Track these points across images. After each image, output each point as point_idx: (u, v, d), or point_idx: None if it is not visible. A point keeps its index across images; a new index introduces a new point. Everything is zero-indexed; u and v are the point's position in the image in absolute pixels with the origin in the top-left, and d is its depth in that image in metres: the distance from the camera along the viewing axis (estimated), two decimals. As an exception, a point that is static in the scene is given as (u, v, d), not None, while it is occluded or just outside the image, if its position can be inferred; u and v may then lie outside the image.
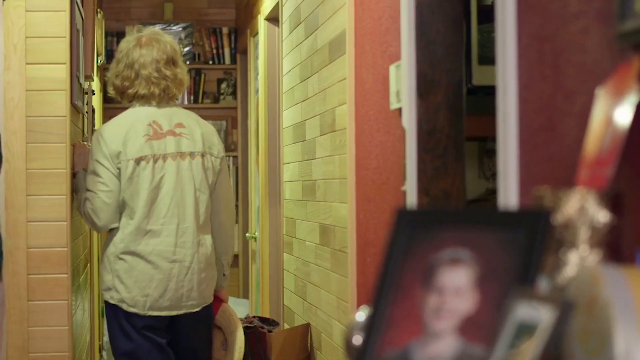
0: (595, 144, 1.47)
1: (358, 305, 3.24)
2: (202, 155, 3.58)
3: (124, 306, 3.50)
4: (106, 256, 3.54)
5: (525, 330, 1.23)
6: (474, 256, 1.35)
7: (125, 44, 3.65)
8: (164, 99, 3.60)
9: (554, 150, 1.76)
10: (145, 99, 3.59)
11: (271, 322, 4.45)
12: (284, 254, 4.82)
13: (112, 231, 3.54)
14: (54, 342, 3.76)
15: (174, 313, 3.53)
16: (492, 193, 3.21)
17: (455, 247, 1.37)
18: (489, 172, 3.27)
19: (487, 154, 3.29)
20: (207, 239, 3.59)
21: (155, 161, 3.51)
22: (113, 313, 3.55)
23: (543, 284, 1.40)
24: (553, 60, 1.76)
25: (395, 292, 1.42)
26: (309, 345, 4.13)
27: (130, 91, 3.59)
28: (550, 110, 1.77)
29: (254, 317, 4.47)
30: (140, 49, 3.58)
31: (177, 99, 3.70)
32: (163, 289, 3.49)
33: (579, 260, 1.42)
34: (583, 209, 1.43)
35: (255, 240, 6.14)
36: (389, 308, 1.41)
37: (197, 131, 3.59)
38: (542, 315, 1.21)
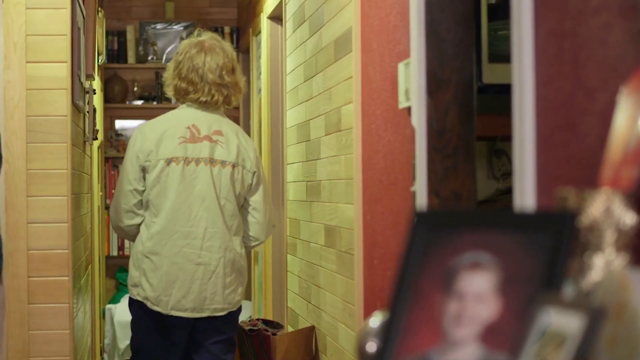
0: (620, 143, 1.41)
1: (365, 308, 3.19)
2: (233, 166, 3.59)
3: (148, 304, 3.53)
4: (135, 253, 3.59)
5: (552, 338, 1.17)
6: (496, 260, 1.29)
7: (186, 47, 3.67)
8: (222, 106, 3.67)
9: (573, 150, 1.70)
10: (205, 105, 3.63)
11: (275, 325, 4.40)
12: (288, 255, 4.77)
13: (141, 229, 3.58)
14: (55, 345, 3.72)
15: (196, 315, 3.54)
16: (502, 194, 3.16)
17: (476, 250, 1.31)
18: (499, 173, 3.21)
19: (496, 154, 3.24)
20: (236, 245, 3.60)
21: (187, 163, 3.54)
22: (137, 309, 3.59)
23: (568, 290, 1.34)
24: (573, 56, 1.70)
25: (413, 298, 1.36)
26: (313, 348, 4.08)
27: (193, 95, 3.63)
28: (569, 108, 1.72)
29: (257, 319, 4.42)
30: (205, 55, 3.62)
31: (231, 106, 3.76)
32: (186, 290, 3.51)
33: (604, 264, 1.37)
34: (609, 210, 1.37)
35: (258, 242, 6.08)
36: (407, 314, 1.35)
37: (233, 142, 3.61)
38: (570, 323, 1.16)
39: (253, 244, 3.74)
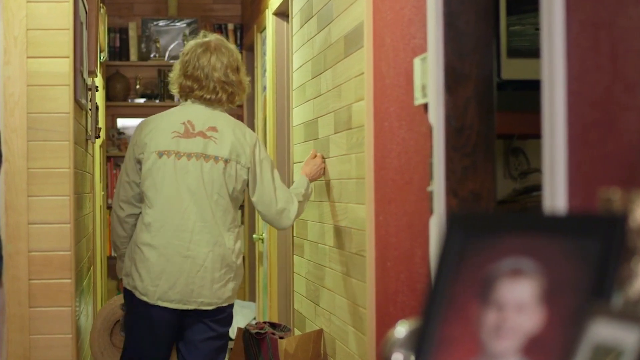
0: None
1: (377, 312, 3.10)
2: (226, 162, 3.66)
3: (137, 293, 3.62)
4: (130, 244, 3.71)
5: (605, 352, 1.08)
6: (539, 267, 1.20)
7: (192, 47, 3.79)
8: (225, 103, 3.78)
9: (610, 148, 1.60)
10: (209, 102, 3.74)
11: (282, 328, 4.31)
12: (295, 256, 4.69)
13: (138, 220, 3.71)
14: (57, 350, 3.66)
15: (182, 307, 3.61)
16: (520, 194, 3.06)
17: (517, 256, 1.22)
18: (516, 172, 3.11)
19: (513, 153, 3.14)
20: (227, 241, 3.65)
21: (178, 157, 3.63)
22: (128, 299, 3.69)
23: (615, 299, 1.24)
24: (610, 48, 1.60)
25: (448, 307, 1.26)
26: (322, 352, 3.99)
27: (198, 93, 3.73)
28: (606, 103, 1.61)
29: (264, 322, 4.34)
30: (211, 54, 3.74)
31: (234, 105, 3.88)
32: (173, 281, 3.59)
33: (654, 271, 1.26)
34: (659, 213, 1.27)
35: (262, 242, 6.03)
36: (441, 325, 1.25)
37: (228, 138, 3.68)
38: (625, 335, 1.06)
39: (280, 227, 3.89)
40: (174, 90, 3.83)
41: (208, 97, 3.71)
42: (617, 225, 1.17)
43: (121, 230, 3.76)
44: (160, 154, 3.63)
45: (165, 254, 3.59)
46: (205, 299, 3.61)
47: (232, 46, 3.84)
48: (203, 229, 3.60)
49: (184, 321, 3.66)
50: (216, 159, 3.65)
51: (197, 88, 3.71)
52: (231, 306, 3.73)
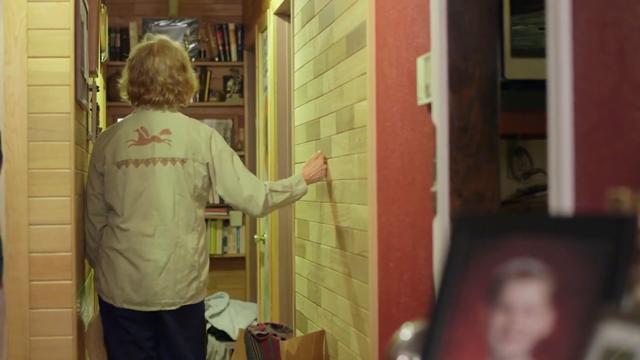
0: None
1: (380, 313, 3.08)
2: (183, 162, 3.75)
3: (104, 297, 3.77)
4: (98, 250, 3.84)
5: (616, 356, 1.06)
6: (547, 268, 1.18)
7: (137, 52, 3.87)
8: (175, 104, 3.85)
9: (618, 148, 1.58)
10: (158, 104, 3.82)
11: (284, 329, 4.29)
12: (296, 257, 4.67)
13: (105, 227, 3.84)
14: (58, 352, 3.63)
15: (146, 309, 3.72)
16: (523, 194, 3.04)
17: (525, 258, 1.20)
18: (519, 172, 3.09)
19: (517, 153, 3.12)
20: (189, 242, 3.75)
21: (136, 165, 3.74)
22: (100, 303, 3.83)
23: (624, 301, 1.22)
24: (617, 47, 1.58)
25: (455, 310, 1.24)
26: (324, 353, 3.97)
27: (146, 97, 3.82)
28: (613, 102, 1.59)
29: (266, 324, 4.32)
30: (154, 57, 3.82)
31: (185, 104, 3.95)
32: (137, 285, 3.71)
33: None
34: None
35: (264, 243, 6.01)
36: (448, 328, 1.24)
37: (182, 138, 3.77)
38: (636, 339, 1.04)
39: (253, 215, 3.96)
40: (124, 96, 3.95)
41: (156, 99, 3.80)
42: (627, 226, 1.15)
43: (94, 244, 3.87)
44: (119, 165, 3.75)
45: (129, 258, 3.70)
46: (169, 299, 3.72)
47: (176, 45, 3.92)
48: (164, 232, 3.70)
49: (155, 325, 3.78)
50: (173, 160, 3.74)
51: (144, 92, 3.81)
52: (198, 305, 3.82)
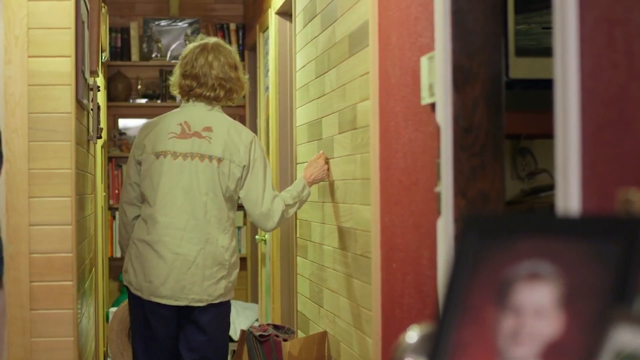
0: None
1: (383, 314, 3.06)
2: (219, 160, 3.75)
3: (132, 289, 3.74)
4: (130, 240, 3.82)
5: (626, 359, 1.03)
6: (557, 270, 1.16)
7: (191, 49, 3.92)
8: (224, 100, 3.88)
9: (627, 147, 1.56)
10: (208, 100, 3.84)
11: (286, 330, 4.28)
12: (298, 257, 4.66)
13: (137, 218, 3.84)
14: (59, 353, 3.62)
15: (174, 303, 3.69)
16: (527, 195, 3.02)
17: (534, 259, 1.18)
18: (523, 173, 3.07)
19: (521, 153, 3.10)
20: (219, 239, 3.72)
21: (174, 157, 3.74)
22: (129, 295, 3.82)
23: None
24: (625, 45, 1.56)
25: (463, 312, 1.22)
26: (326, 354, 3.96)
27: (198, 90, 3.84)
28: (622, 101, 1.57)
29: (268, 324, 4.31)
30: (208, 54, 3.86)
31: (234, 102, 4.02)
32: (165, 278, 3.67)
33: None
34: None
35: (265, 243, 5.99)
36: (456, 330, 1.21)
37: (222, 137, 3.78)
38: (650, 343, 1.02)
39: (264, 229, 3.95)
40: (175, 92, 3.95)
41: (207, 94, 3.82)
42: (638, 227, 1.13)
43: (126, 233, 3.86)
44: (157, 155, 3.75)
45: (158, 250, 3.68)
46: (196, 295, 3.68)
47: (230, 47, 3.96)
48: (195, 227, 3.69)
49: (179, 322, 3.75)
50: (210, 158, 3.75)
51: (197, 86, 3.82)
52: (225, 305, 3.78)
